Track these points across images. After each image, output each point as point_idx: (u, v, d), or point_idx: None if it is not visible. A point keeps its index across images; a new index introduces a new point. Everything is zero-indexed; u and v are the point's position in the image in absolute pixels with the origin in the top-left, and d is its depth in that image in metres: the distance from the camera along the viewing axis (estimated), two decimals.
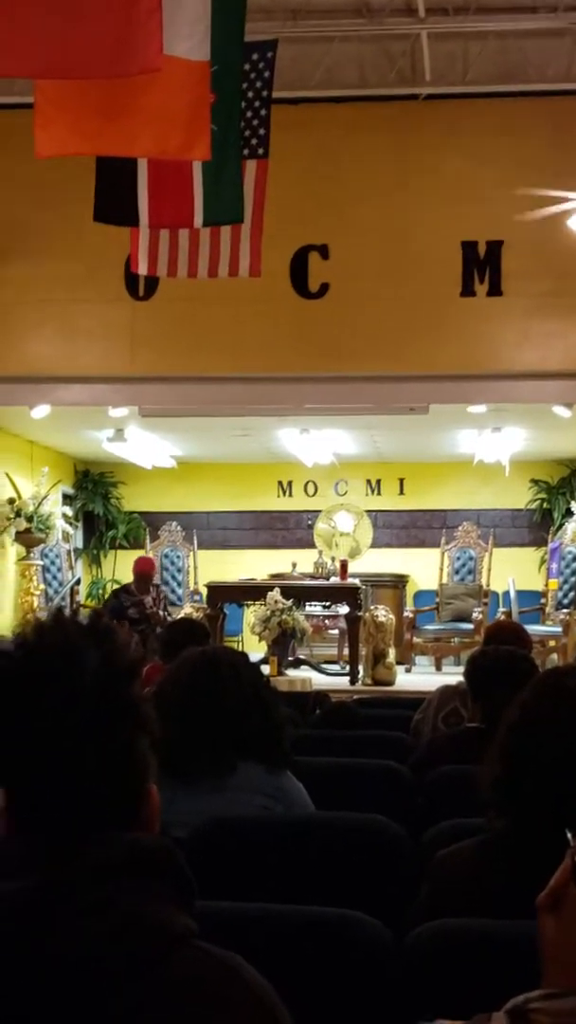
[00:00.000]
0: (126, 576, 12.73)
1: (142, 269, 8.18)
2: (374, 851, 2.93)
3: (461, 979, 1.96)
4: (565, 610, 13.64)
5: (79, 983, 1.39)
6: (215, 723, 3.23)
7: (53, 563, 14.71)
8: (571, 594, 13.93)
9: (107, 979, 1.40)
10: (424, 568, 16.00)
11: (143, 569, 12.51)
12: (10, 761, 1.53)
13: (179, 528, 15.49)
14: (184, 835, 2.82)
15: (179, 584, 15.12)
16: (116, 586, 13.96)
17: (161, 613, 11.80)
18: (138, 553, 14.79)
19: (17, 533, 13.76)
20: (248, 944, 1.58)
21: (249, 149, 7.59)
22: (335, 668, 13.43)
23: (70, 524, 15.93)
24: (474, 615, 13.49)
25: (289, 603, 11.64)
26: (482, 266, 10.02)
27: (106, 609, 12.03)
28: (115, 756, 1.54)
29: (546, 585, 14.52)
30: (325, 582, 13.06)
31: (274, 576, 13.66)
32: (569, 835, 1.46)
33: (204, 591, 13.27)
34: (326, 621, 14.62)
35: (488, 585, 14.49)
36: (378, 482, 17.08)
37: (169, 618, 11.59)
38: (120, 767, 1.55)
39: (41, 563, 14.24)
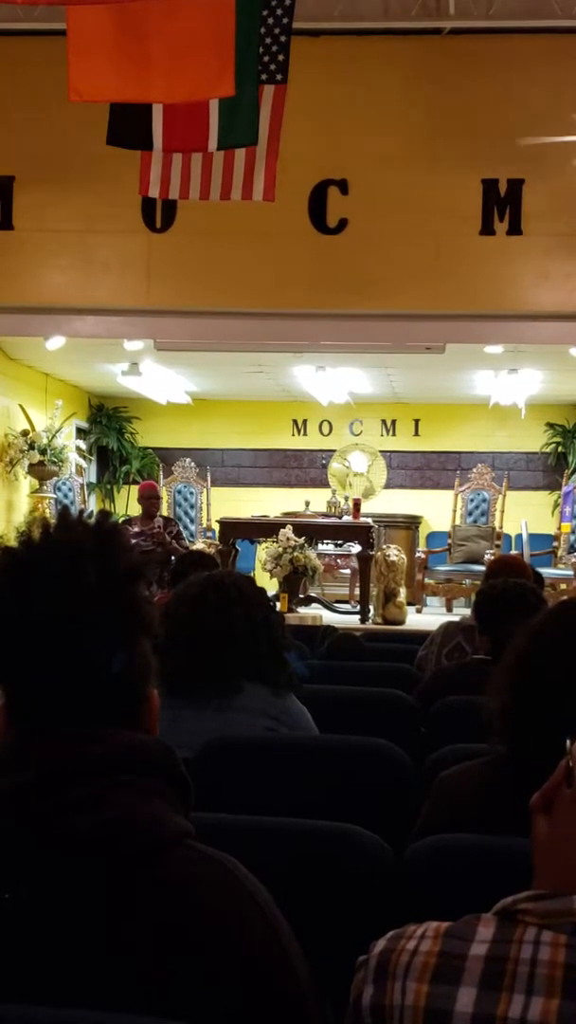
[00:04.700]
0: (139, 511, 12.70)
1: (153, 192, 8.08)
2: (376, 773, 2.95)
3: (459, 893, 1.97)
4: None
5: (72, 878, 1.40)
6: (221, 644, 3.23)
7: (66, 496, 14.71)
8: None
9: (100, 875, 1.40)
10: (437, 509, 16.00)
11: (142, 489, 12.47)
12: (11, 657, 1.53)
13: (193, 464, 15.48)
14: (189, 755, 2.82)
15: (192, 520, 15.14)
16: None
17: (168, 537, 11.69)
18: None
19: (30, 465, 13.76)
20: (245, 853, 1.59)
21: (267, 74, 7.49)
22: (346, 607, 13.44)
23: (84, 458, 15.94)
24: (486, 557, 13.46)
25: (301, 541, 11.65)
26: (502, 204, 9.89)
27: None
28: (116, 655, 1.54)
29: (559, 528, 14.50)
30: (337, 520, 13.06)
31: (287, 514, 13.64)
32: (568, 742, 1.47)
33: (217, 527, 13.27)
34: (338, 560, 14.65)
35: (501, 527, 14.49)
36: (393, 423, 17.04)
37: (178, 545, 11.51)
38: (121, 666, 1.55)
39: (54, 496, 14.25)
